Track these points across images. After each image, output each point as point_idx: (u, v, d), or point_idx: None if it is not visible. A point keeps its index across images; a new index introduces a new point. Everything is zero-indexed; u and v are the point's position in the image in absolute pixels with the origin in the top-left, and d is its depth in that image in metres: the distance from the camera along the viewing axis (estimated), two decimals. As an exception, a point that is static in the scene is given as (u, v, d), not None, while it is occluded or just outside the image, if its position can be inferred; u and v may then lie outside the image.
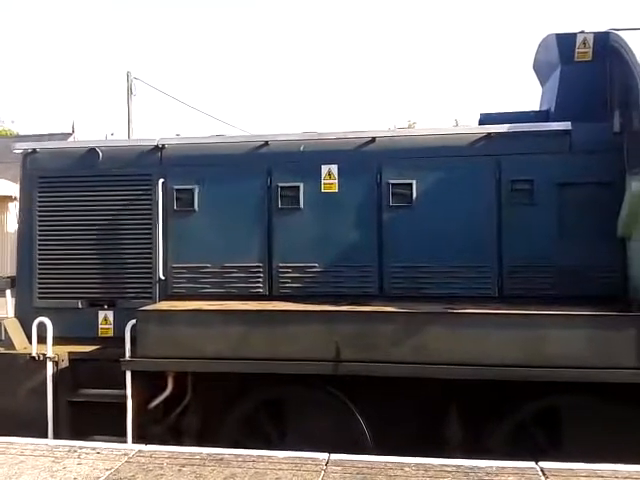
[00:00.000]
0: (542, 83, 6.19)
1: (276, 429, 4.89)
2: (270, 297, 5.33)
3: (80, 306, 5.59)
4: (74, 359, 5.32)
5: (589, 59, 5.26)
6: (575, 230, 4.91)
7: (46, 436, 5.12)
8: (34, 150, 5.80)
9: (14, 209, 17.34)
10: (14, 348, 5.37)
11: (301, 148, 5.41)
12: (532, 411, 4.59)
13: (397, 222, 5.19)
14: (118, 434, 4.94)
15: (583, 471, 3.80)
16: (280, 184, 5.34)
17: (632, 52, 4.60)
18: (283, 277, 5.34)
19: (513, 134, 5.10)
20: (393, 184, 5.18)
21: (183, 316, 4.86)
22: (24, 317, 5.54)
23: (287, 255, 5.34)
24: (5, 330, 5.42)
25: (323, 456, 4.03)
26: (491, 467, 3.83)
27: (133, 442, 4.87)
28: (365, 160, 5.28)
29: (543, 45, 5.75)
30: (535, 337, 4.35)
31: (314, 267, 5.29)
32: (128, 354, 4.90)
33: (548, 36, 5.55)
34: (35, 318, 5.28)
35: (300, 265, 5.31)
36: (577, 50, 5.27)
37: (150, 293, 5.49)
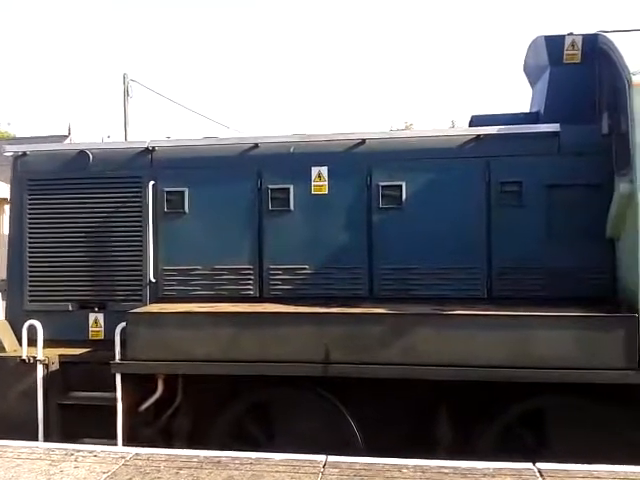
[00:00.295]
0: (532, 85, 6.21)
1: (267, 431, 4.90)
2: (261, 299, 5.34)
3: (71, 309, 5.59)
4: (64, 362, 5.31)
5: (578, 61, 5.28)
6: (564, 231, 4.93)
7: (36, 439, 5.11)
8: (24, 153, 5.79)
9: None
10: (4, 351, 5.36)
11: (291, 150, 5.42)
12: (521, 412, 4.61)
13: (387, 224, 5.20)
14: (109, 437, 4.95)
15: (580, 472, 3.82)
16: (270, 186, 5.35)
17: (620, 54, 4.61)
18: (273, 279, 5.35)
19: (502, 136, 5.11)
20: (383, 186, 5.20)
21: (173, 318, 4.87)
22: (15, 320, 5.54)
23: (277, 257, 5.34)
24: (-4, 333, 5.41)
25: (320, 458, 4.05)
26: (488, 468, 3.85)
27: (124, 445, 4.87)
28: (355, 162, 5.29)
29: (532, 47, 5.77)
30: (523, 338, 4.37)
31: (304, 269, 5.30)
32: (118, 357, 4.90)
33: (537, 38, 5.57)
34: (26, 321, 5.27)
35: (290, 267, 5.31)
36: (566, 52, 5.29)
37: (140, 295, 5.48)
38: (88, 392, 5.22)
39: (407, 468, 3.87)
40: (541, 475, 3.76)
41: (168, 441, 5.02)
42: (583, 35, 5.24)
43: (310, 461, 4.00)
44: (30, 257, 5.66)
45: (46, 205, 5.66)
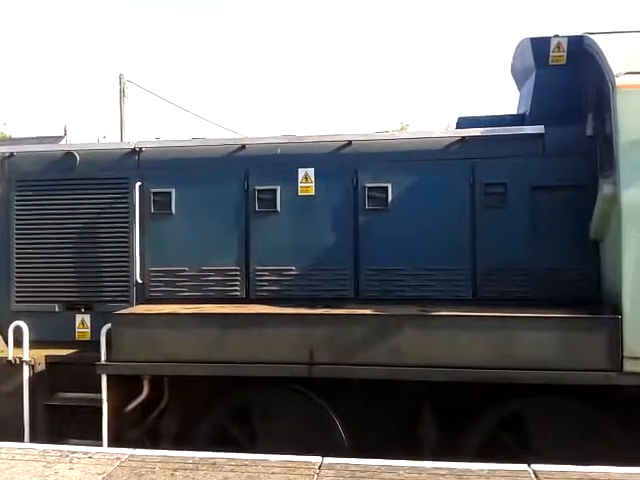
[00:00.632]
0: (519, 87, 6.23)
1: (252, 432, 4.91)
2: (247, 300, 5.34)
3: (57, 310, 5.59)
4: (51, 363, 5.33)
5: (563, 63, 5.29)
6: (549, 233, 4.94)
7: (22, 440, 5.12)
8: (12, 154, 5.80)
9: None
10: (-9, 352, 5.37)
11: (278, 151, 5.43)
12: (505, 413, 4.62)
13: (373, 225, 5.21)
14: (95, 438, 4.96)
15: (575, 473, 3.83)
16: (257, 187, 5.35)
17: (604, 56, 4.62)
18: (260, 280, 5.35)
19: (487, 138, 5.13)
20: (369, 187, 5.21)
21: (158, 319, 4.88)
22: (1, 321, 5.54)
23: (264, 258, 5.35)
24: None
25: (316, 459, 4.05)
26: (483, 470, 3.86)
27: (109, 445, 4.88)
28: (341, 163, 5.30)
29: (519, 49, 5.78)
30: (506, 339, 4.39)
31: (291, 270, 5.31)
32: (103, 358, 4.91)
33: (523, 40, 5.58)
34: (12, 322, 5.29)
35: (277, 268, 5.32)
36: (551, 54, 5.30)
37: (127, 297, 5.49)
38: (74, 393, 5.24)
39: (403, 469, 3.88)
40: (536, 477, 3.77)
41: (155, 442, 5.03)
42: (569, 37, 5.26)
43: (306, 462, 4.00)
44: (17, 258, 5.66)
45: (33, 206, 5.66)
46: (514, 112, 6.12)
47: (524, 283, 4.97)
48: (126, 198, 5.52)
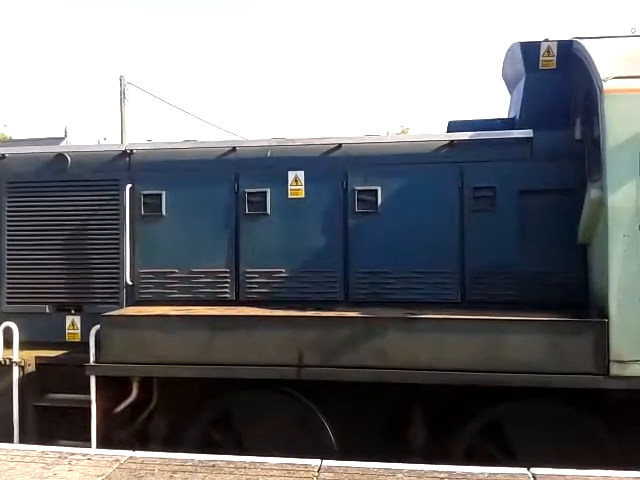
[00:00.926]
0: (510, 91, 6.25)
1: (240, 434, 4.92)
2: (237, 302, 5.36)
3: (48, 311, 5.61)
4: (41, 364, 5.33)
5: (553, 67, 5.31)
6: (537, 236, 4.96)
7: (12, 440, 5.13)
8: (3, 155, 5.82)
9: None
10: (-19, 353, 5.37)
11: (268, 154, 5.45)
12: (492, 416, 4.63)
13: (362, 228, 5.23)
14: (84, 439, 4.96)
15: (575, 477, 3.82)
16: (247, 190, 5.38)
17: (592, 60, 4.64)
18: (250, 282, 5.37)
19: (475, 142, 5.16)
20: (359, 190, 5.23)
21: (146, 321, 4.89)
22: None
23: (254, 260, 5.37)
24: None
25: (315, 462, 4.05)
26: (483, 473, 3.85)
27: (98, 447, 4.88)
28: (331, 166, 5.33)
29: (509, 53, 5.81)
30: (492, 342, 4.39)
31: (281, 272, 5.33)
32: (92, 359, 4.92)
33: (513, 44, 5.60)
34: (2, 323, 5.29)
35: (267, 270, 5.34)
36: (541, 58, 5.32)
37: (117, 298, 5.51)
38: (64, 394, 5.24)
39: (401, 472, 3.87)
40: None
41: (144, 444, 5.03)
42: (558, 41, 5.28)
43: (305, 465, 4.00)
44: (8, 259, 5.68)
45: (24, 208, 5.68)
46: (506, 116, 6.14)
47: (512, 286, 4.99)
48: (117, 200, 5.54)
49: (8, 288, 5.67)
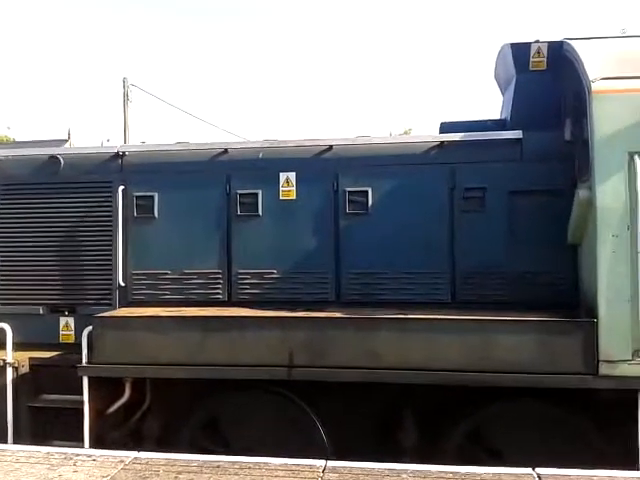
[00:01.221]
0: (502, 92, 6.26)
1: (232, 435, 4.94)
2: (229, 303, 5.39)
3: (42, 312, 5.64)
4: (35, 365, 5.36)
5: (544, 68, 5.33)
6: (527, 237, 4.97)
7: (6, 441, 5.16)
8: (-4, 158, 5.85)
9: None
10: (-25, 354, 5.40)
11: (260, 155, 5.47)
12: (483, 416, 4.65)
13: (353, 229, 5.26)
14: (78, 439, 4.99)
15: (580, 477, 3.83)
16: (239, 191, 5.40)
17: (582, 62, 4.65)
18: (242, 283, 5.40)
19: (466, 143, 5.18)
20: (349, 192, 5.25)
21: (138, 322, 4.92)
22: None
23: (246, 261, 5.39)
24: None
25: (320, 463, 4.05)
26: (488, 473, 3.86)
27: (90, 447, 4.91)
28: (322, 168, 5.35)
29: (501, 55, 5.82)
30: (482, 342, 4.41)
31: (272, 273, 5.35)
32: (85, 360, 4.94)
33: (504, 46, 5.62)
34: None
35: (259, 271, 5.36)
36: (532, 59, 5.33)
37: (110, 300, 5.54)
38: (58, 395, 5.26)
39: (406, 473, 3.87)
40: None
41: (138, 444, 5.06)
42: (549, 42, 5.29)
43: (309, 466, 4.01)
44: (2, 261, 5.71)
45: (18, 209, 5.71)
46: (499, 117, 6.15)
47: (502, 286, 5.01)
48: (109, 202, 5.58)
49: (2, 289, 5.70)
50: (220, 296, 5.41)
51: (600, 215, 4.36)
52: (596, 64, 4.61)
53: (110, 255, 5.54)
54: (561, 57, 5.16)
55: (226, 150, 5.55)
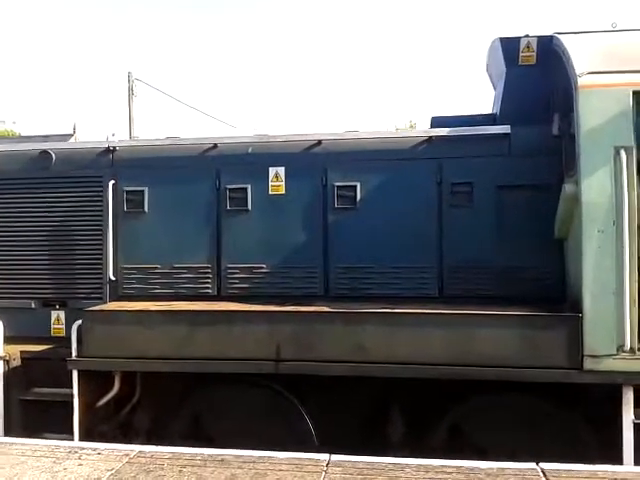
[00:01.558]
0: (494, 86, 6.26)
1: (220, 428, 4.97)
2: (219, 297, 5.41)
3: (33, 306, 5.68)
4: (26, 358, 5.40)
5: (533, 63, 5.32)
6: (514, 232, 4.97)
7: (-4, 433, 5.22)
8: (-12, 153, 5.89)
9: None
10: (-34, 347, 5.45)
11: (249, 150, 5.49)
12: (466, 410, 4.67)
13: (342, 224, 5.27)
14: (69, 432, 5.03)
15: (583, 472, 3.84)
16: (228, 186, 5.42)
17: (569, 56, 4.65)
18: (231, 278, 5.42)
19: (453, 138, 5.18)
20: (338, 186, 5.27)
21: (127, 316, 4.95)
22: None
23: (235, 256, 5.41)
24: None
25: (324, 457, 4.08)
26: (492, 468, 3.87)
27: (80, 440, 4.95)
28: (311, 163, 5.36)
29: (492, 49, 5.81)
30: (467, 337, 4.42)
31: (262, 268, 5.37)
32: (74, 353, 4.98)
33: (494, 40, 5.61)
34: None
35: (248, 266, 5.39)
36: (521, 54, 5.33)
37: (101, 294, 5.57)
38: (49, 388, 5.31)
39: (410, 467, 3.90)
40: (544, 475, 3.77)
41: (128, 437, 5.10)
42: (538, 37, 5.28)
43: (313, 460, 4.03)
44: None
45: (9, 204, 5.75)
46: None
47: (490, 281, 5.02)
48: (100, 196, 5.60)
49: None
50: (210, 290, 5.44)
51: (586, 210, 4.35)
52: (583, 58, 4.60)
53: (101, 249, 5.57)
54: (550, 51, 5.15)
55: (215, 145, 5.56)
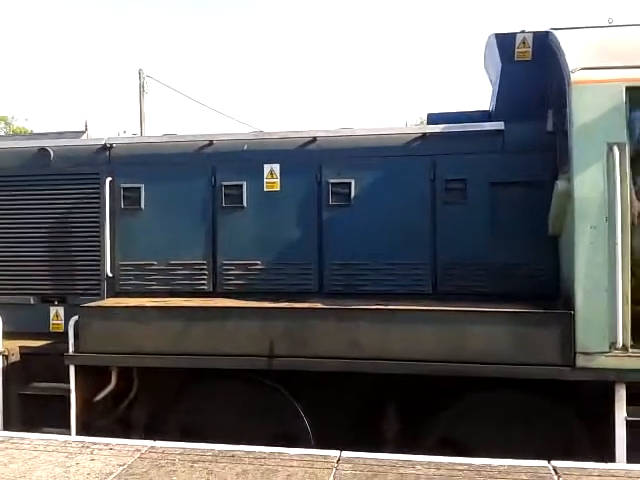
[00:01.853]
0: (491, 82, 6.23)
1: (215, 423, 5.00)
2: (214, 294, 5.45)
3: (32, 302, 5.75)
4: (25, 353, 5.46)
5: (529, 58, 5.29)
6: (508, 228, 4.97)
7: (-4, 427, 5.28)
8: (-13, 150, 5.95)
9: None
10: (-34, 343, 5.52)
11: (244, 147, 5.51)
12: (460, 407, 4.67)
13: (336, 220, 5.29)
14: (67, 426, 5.09)
15: (595, 470, 3.84)
16: (224, 183, 5.45)
17: (563, 52, 4.62)
18: (227, 274, 5.45)
19: (447, 134, 5.17)
20: (333, 183, 5.28)
21: (123, 312, 4.99)
22: None
23: (231, 252, 5.45)
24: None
25: (334, 453, 4.10)
26: (503, 465, 3.87)
27: (77, 434, 5.01)
28: (306, 159, 5.38)
29: (488, 45, 5.79)
30: (460, 333, 4.42)
31: (257, 264, 5.40)
32: (72, 349, 5.03)
33: (491, 36, 5.59)
34: None
35: (243, 262, 5.42)
36: (517, 50, 5.31)
37: (98, 290, 5.62)
38: (47, 383, 5.37)
39: (420, 464, 3.90)
40: (556, 473, 3.77)
41: (126, 432, 5.15)
42: (534, 33, 5.25)
43: (324, 456, 4.05)
44: None
45: (8, 201, 5.81)
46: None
47: (483, 278, 5.02)
48: (97, 193, 5.65)
49: None
50: (205, 287, 5.48)
51: (578, 206, 4.34)
52: (577, 54, 4.57)
53: (98, 246, 5.63)
54: (546, 47, 5.13)
55: (211, 142, 5.59)
